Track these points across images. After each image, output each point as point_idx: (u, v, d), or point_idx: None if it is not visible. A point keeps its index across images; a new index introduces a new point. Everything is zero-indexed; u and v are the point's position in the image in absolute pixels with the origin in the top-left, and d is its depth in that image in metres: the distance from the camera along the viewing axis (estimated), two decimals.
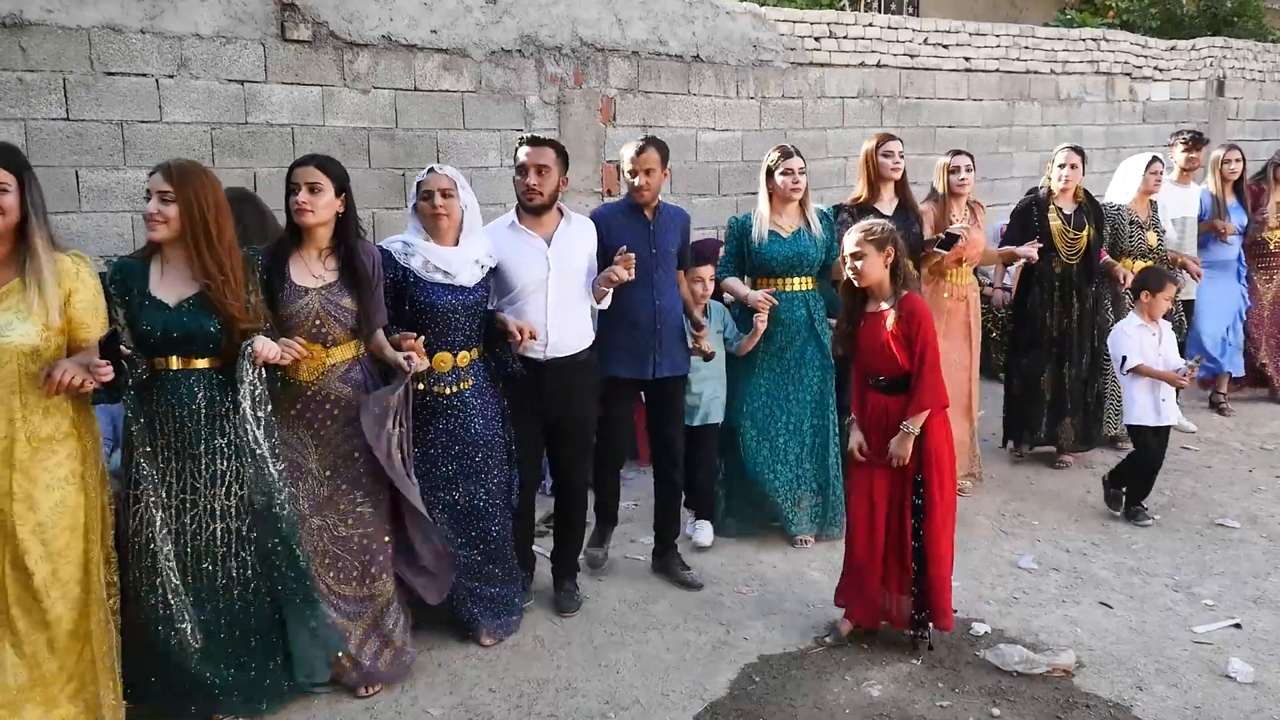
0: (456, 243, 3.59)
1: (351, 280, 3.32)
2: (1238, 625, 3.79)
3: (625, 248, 3.80)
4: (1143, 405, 4.79)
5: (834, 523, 4.57)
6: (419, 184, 3.58)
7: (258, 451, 3.06)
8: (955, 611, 3.66)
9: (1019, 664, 3.48)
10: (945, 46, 7.72)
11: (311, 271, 3.31)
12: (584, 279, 3.91)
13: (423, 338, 3.38)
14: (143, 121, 4.70)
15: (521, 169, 3.78)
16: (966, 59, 7.85)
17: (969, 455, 5.17)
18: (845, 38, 7.16)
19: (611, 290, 3.90)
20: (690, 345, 4.24)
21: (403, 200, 5.47)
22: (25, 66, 4.42)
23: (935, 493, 3.51)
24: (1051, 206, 5.40)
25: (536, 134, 4.33)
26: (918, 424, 3.46)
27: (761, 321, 4.35)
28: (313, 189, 3.26)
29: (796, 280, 4.51)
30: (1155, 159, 5.77)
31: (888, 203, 4.89)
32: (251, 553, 3.13)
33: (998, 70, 8.05)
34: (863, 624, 3.68)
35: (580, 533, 4.17)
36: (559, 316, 3.81)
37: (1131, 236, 5.70)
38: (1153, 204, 5.87)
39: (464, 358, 3.62)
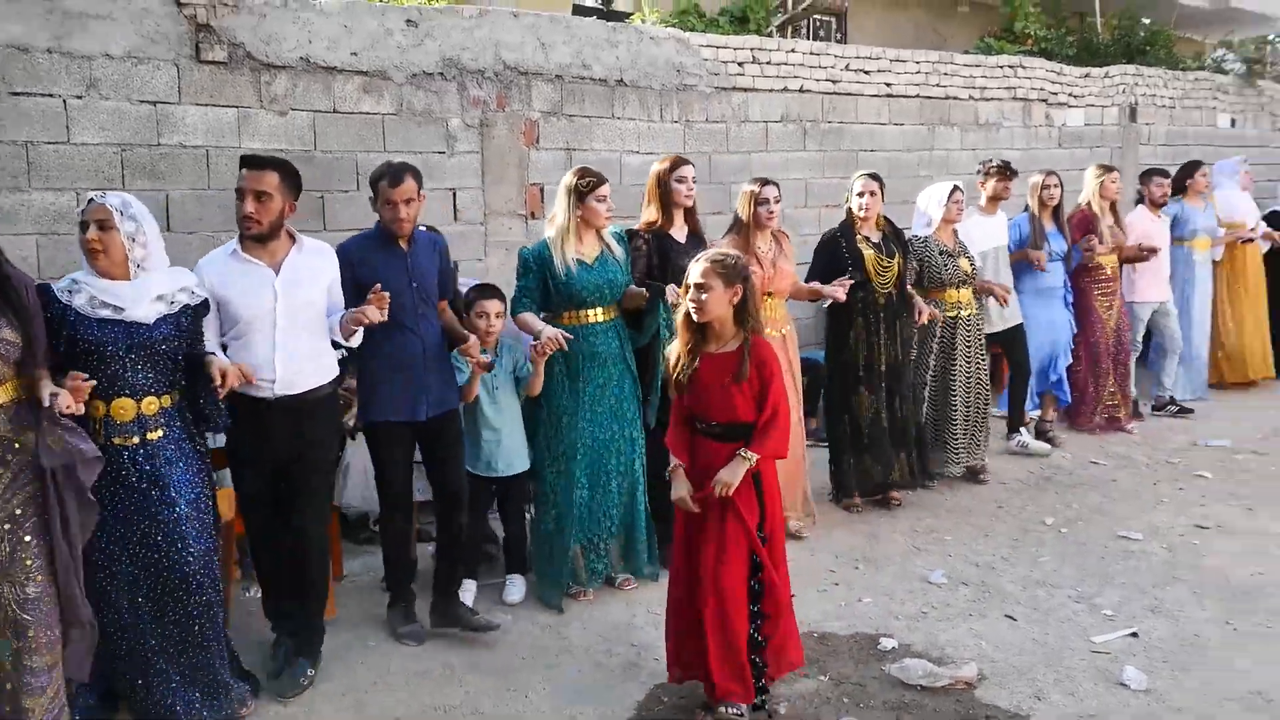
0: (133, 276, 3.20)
1: (9, 310, 2.91)
2: (1134, 634, 3.90)
3: (379, 285, 3.55)
4: None
5: (651, 562, 4.45)
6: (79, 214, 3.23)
7: None
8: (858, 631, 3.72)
9: (922, 678, 3.55)
10: (867, 72, 7.89)
11: None
12: (320, 310, 3.66)
13: (92, 381, 2.93)
14: (49, 143, 4.63)
15: (239, 193, 3.48)
16: (888, 84, 8.03)
17: (800, 496, 5.04)
18: (769, 63, 7.28)
19: (361, 329, 3.65)
20: (456, 358, 4.02)
21: (322, 224, 5.45)
22: None
23: (774, 549, 3.27)
24: (859, 236, 5.26)
25: (256, 152, 3.88)
26: (755, 456, 3.14)
27: (539, 362, 4.13)
28: None
29: (602, 310, 4.31)
30: (956, 188, 5.68)
31: (679, 229, 4.68)
32: None
33: (918, 96, 8.24)
34: (683, 677, 3.39)
35: (316, 595, 3.76)
36: (289, 350, 3.51)
37: (945, 266, 5.61)
38: (954, 233, 5.80)
39: (151, 404, 3.17)
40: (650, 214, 4.70)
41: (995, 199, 6.24)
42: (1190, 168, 7.63)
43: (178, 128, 4.98)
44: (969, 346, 5.73)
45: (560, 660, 3.80)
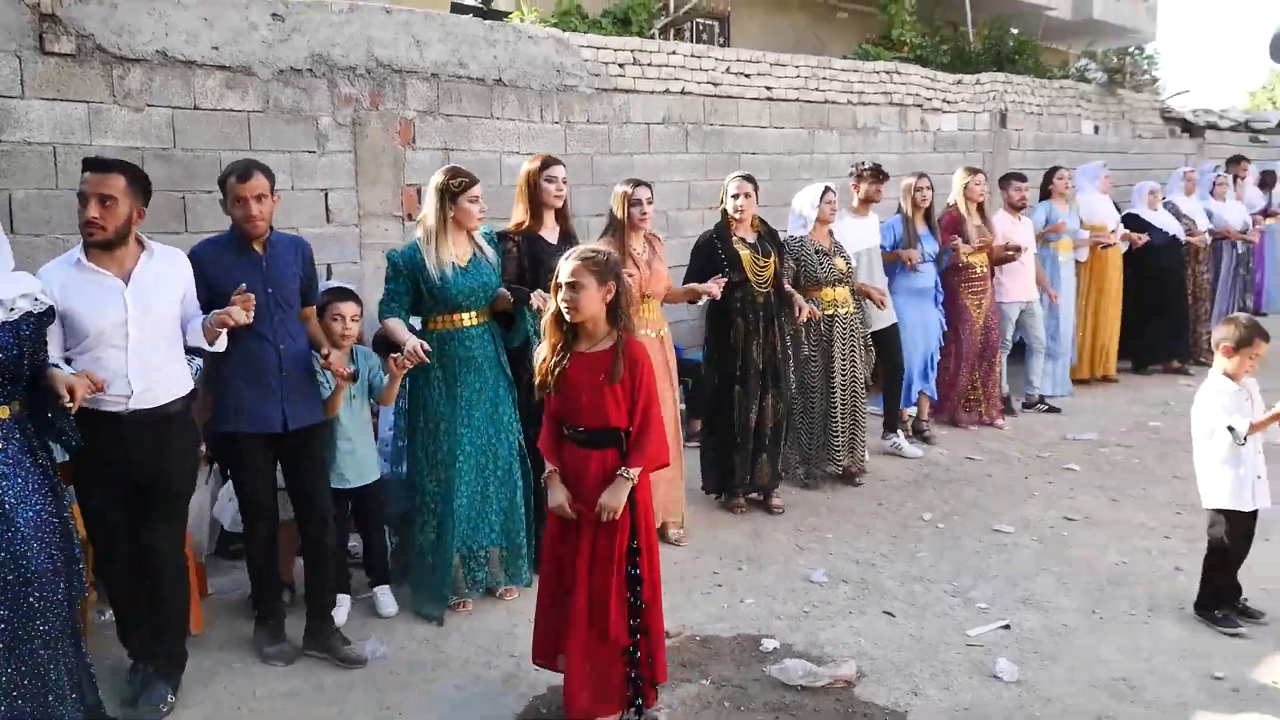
0: None
1: None
2: (1007, 626, 3.99)
3: (244, 286, 3.44)
4: (1232, 484, 3.86)
5: (533, 569, 4.25)
6: None
7: None
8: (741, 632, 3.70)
9: (802, 678, 3.55)
10: (747, 76, 7.95)
11: None
12: (174, 320, 3.48)
13: None
14: None
15: (81, 198, 3.26)
16: (768, 88, 8.11)
17: (675, 501, 5.01)
18: (650, 65, 7.27)
19: (225, 331, 3.48)
20: (320, 371, 3.87)
21: (184, 226, 5.20)
22: None
23: (649, 559, 3.15)
24: (734, 237, 5.24)
25: (100, 156, 3.50)
26: (637, 472, 3.05)
27: (400, 369, 3.90)
28: None
29: (476, 313, 4.20)
30: (828, 189, 5.73)
31: (550, 230, 4.60)
32: None
33: (798, 100, 8.35)
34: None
35: (174, 617, 3.59)
36: (143, 363, 3.32)
37: (820, 265, 5.66)
38: (829, 233, 5.85)
39: None
40: (519, 214, 4.60)
41: (867, 201, 6.30)
42: (1052, 173, 7.90)
43: (20, 123, 4.67)
44: (846, 345, 5.78)
45: (437, 674, 3.68)
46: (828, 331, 5.70)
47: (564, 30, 7.46)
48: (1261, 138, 14.43)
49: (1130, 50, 14.61)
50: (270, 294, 3.70)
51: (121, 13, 4.92)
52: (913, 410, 6.81)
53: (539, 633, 3.30)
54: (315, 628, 3.86)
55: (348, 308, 4.14)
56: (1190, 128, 13.41)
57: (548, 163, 4.59)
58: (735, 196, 5.25)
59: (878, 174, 6.25)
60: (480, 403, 4.21)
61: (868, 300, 6.03)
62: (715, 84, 7.72)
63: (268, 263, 3.73)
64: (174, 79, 5.12)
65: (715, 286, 4.97)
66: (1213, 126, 13.84)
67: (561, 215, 4.67)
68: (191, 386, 3.58)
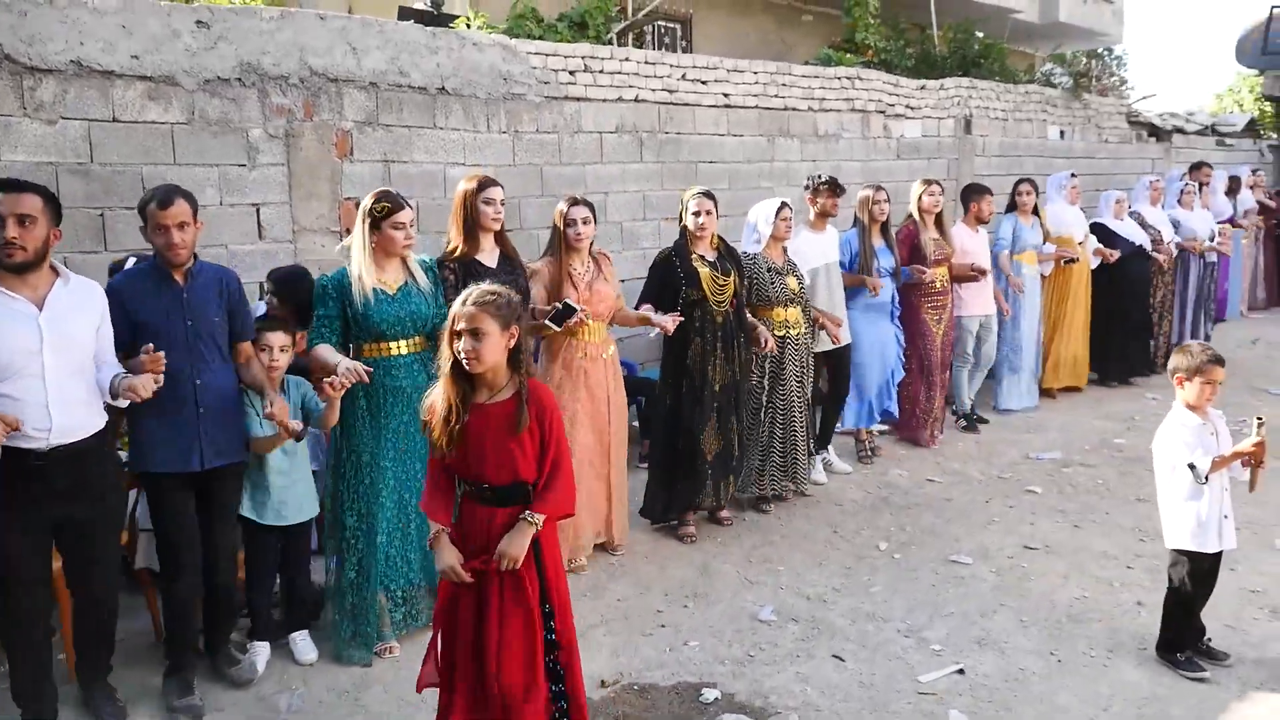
0: None
1: None
2: (961, 671, 3.80)
3: (152, 346, 3.23)
4: (1194, 524, 3.67)
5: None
6: None
7: None
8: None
9: None
10: (704, 82, 7.74)
11: None
12: (90, 352, 3.28)
13: None
14: None
15: None
16: (726, 95, 7.90)
17: (606, 522, 4.93)
18: (601, 71, 7.04)
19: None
20: (264, 421, 3.70)
21: (102, 244, 4.93)
22: None
23: (563, 619, 2.89)
24: (694, 254, 5.05)
25: (11, 177, 3.37)
26: (542, 518, 2.78)
27: (338, 391, 3.64)
28: None
29: (406, 343, 3.97)
30: (784, 204, 5.46)
31: (489, 253, 4.41)
32: None
33: (757, 106, 8.15)
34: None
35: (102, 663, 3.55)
36: (62, 395, 3.14)
37: (772, 284, 5.41)
38: (783, 250, 5.59)
39: None
40: (454, 238, 4.39)
41: (824, 215, 6.03)
42: (1018, 185, 7.66)
43: None
44: (797, 366, 5.56)
45: None
46: (778, 353, 5.47)
47: (516, 36, 7.22)
48: (1228, 141, 14.41)
49: (1099, 52, 14.49)
50: (189, 325, 3.54)
51: (32, 21, 4.64)
52: (881, 427, 6.63)
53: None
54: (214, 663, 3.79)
55: (275, 338, 3.90)
56: (1157, 132, 13.35)
57: (485, 183, 4.39)
58: (696, 214, 5.04)
59: (834, 187, 6.01)
60: (406, 435, 3.99)
61: (823, 331, 5.84)
62: (671, 91, 7.50)
63: (188, 294, 3.56)
64: (90, 90, 4.84)
65: (670, 322, 4.73)
66: (1179, 130, 13.80)
67: (500, 237, 4.49)
68: (107, 419, 3.37)
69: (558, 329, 4.44)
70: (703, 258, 5.08)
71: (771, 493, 5.60)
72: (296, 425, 3.71)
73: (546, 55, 6.74)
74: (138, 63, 4.97)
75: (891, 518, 5.46)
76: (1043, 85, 11.77)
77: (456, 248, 4.36)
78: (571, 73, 6.87)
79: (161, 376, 3.25)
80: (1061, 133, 11.56)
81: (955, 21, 12.03)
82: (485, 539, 2.79)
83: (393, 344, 3.97)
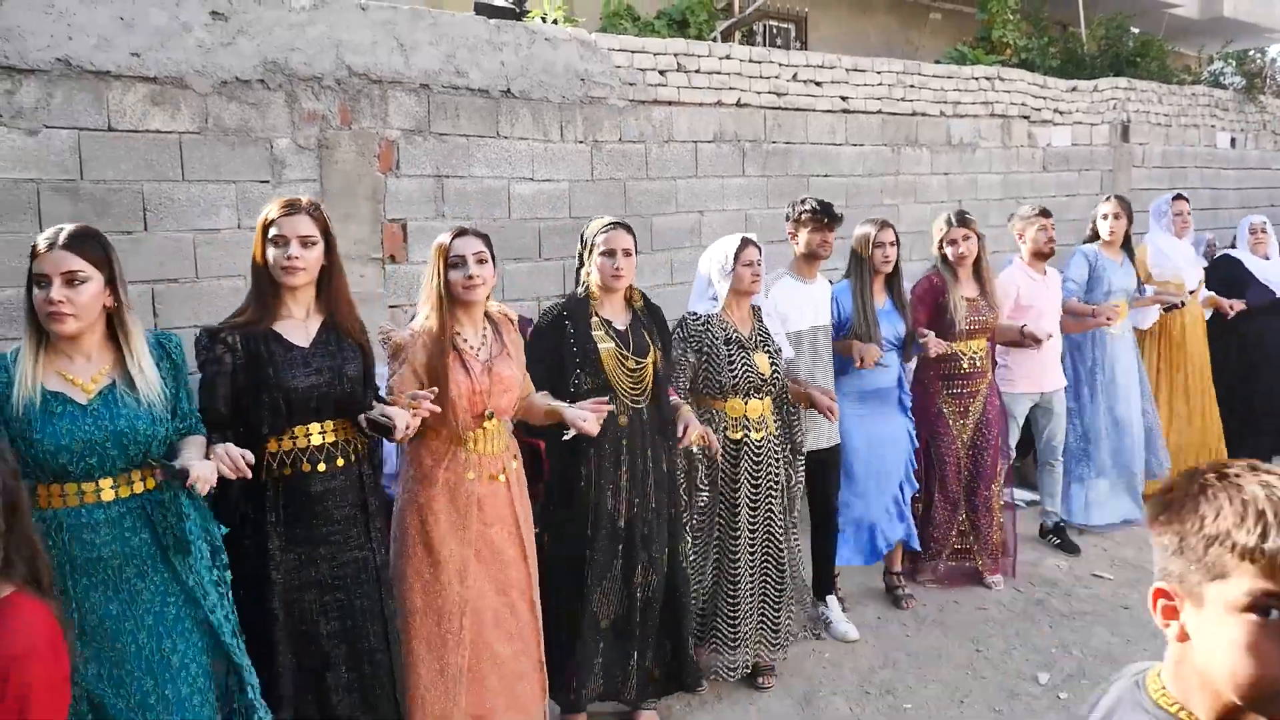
0: None
1: None
2: None
3: None
4: None
5: None
6: None
7: None
8: None
9: None
10: (818, 84, 6.68)
11: None
12: None
13: None
14: None
15: None
16: (844, 98, 6.82)
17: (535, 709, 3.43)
18: (697, 71, 6.05)
19: None
20: None
21: None
22: None
23: None
24: (594, 319, 3.60)
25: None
26: None
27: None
28: None
29: (114, 480, 2.63)
30: (747, 242, 3.91)
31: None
32: None
33: (880, 112, 7.04)
34: None
35: None
36: None
37: (731, 364, 3.80)
38: (752, 310, 4.03)
39: None
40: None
41: (813, 257, 4.37)
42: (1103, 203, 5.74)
43: None
44: (757, 486, 3.89)
45: None
46: (730, 467, 3.87)
47: (587, 31, 6.30)
48: None
49: (1268, 52, 12.87)
50: None
51: (9, 11, 3.90)
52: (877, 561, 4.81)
53: None
54: None
55: None
56: None
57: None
58: (609, 254, 3.56)
59: (824, 218, 4.32)
60: (122, 632, 2.55)
61: (811, 409, 4.20)
62: (779, 93, 6.46)
63: None
64: (81, 93, 4.08)
65: (594, 423, 3.27)
66: None
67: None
68: None
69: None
70: (608, 324, 3.61)
71: (727, 669, 3.92)
72: None
73: (632, 52, 5.78)
74: (139, 61, 4.19)
75: (1051, 632, 4.27)
76: (1211, 86, 10.30)
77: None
78: (662, 72, 5.89)
79: None
80: (1233, 140, 10.06)
81: (1105, 17, 10.66)
82: None
83: (89, 484, 2.57)
